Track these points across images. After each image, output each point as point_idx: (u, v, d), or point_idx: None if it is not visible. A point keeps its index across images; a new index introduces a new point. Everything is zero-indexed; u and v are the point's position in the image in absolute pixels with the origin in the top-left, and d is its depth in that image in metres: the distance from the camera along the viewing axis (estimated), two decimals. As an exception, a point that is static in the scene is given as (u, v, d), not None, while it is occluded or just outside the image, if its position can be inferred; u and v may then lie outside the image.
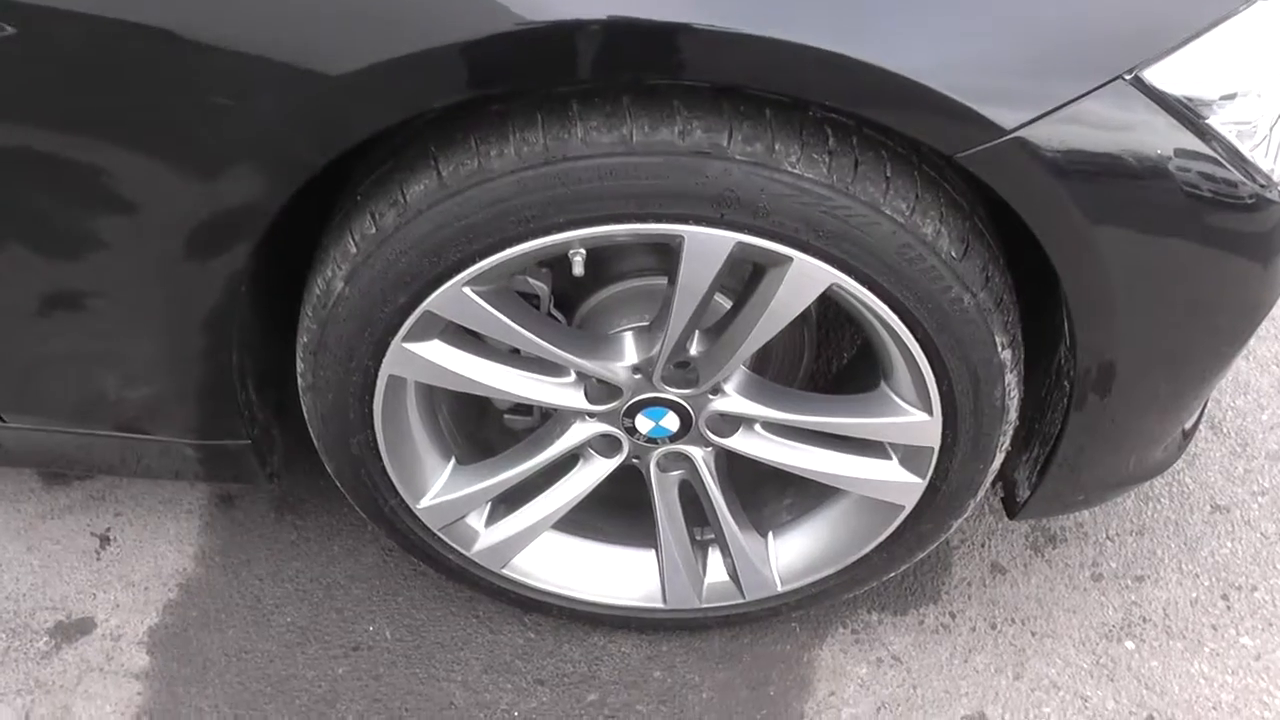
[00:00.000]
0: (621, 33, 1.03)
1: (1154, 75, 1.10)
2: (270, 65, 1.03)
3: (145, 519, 1.72)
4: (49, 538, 1.71)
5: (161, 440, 1.42)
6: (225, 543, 1.69)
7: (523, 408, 1.46)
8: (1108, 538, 1.75)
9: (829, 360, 1.72)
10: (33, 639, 1.59)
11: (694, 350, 1.28)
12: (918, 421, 1.30)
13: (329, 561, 1.66)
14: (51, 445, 1.48)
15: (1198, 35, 1.11)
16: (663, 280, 1.32)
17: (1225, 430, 1.89)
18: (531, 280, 1.31)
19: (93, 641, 1.59)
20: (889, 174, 1.15)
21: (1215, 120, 1.15)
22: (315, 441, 1.38)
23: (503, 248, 1.14)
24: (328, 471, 1.41)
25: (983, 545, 1.72)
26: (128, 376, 1.34)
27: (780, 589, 1.49)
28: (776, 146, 1.11)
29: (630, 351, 1.29)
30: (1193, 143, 1.13)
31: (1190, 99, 1.13)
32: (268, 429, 1.43)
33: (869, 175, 1.14)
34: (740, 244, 1.14)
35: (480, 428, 1.53)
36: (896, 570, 1.50)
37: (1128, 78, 1.09)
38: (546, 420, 1.44)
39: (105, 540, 1.70)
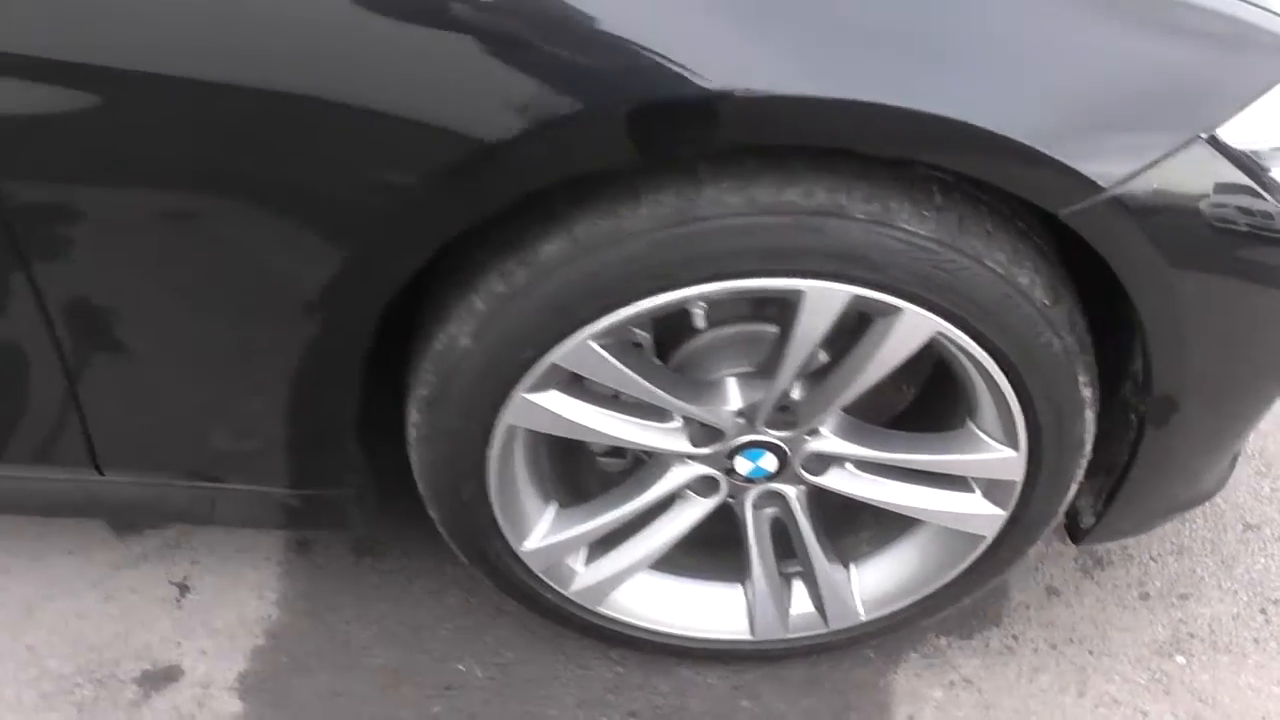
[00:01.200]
0: (761, 103, 1.09)
1: (1225, 132, 1.19)
2: (423, 130, 1.07)
3: (222, 567, 1.74)
4: (126, 587, 1.73)
5: (262, 490, 1.45)
6: (306, 588, 1.71)
7: (616, 451, 1.51)
8: (1151, 559, 1.84)
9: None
10: (120, 688, 1.60)
11: (796, 395, 1.34)
12: (1005, 458, 1.37)
13: (413, 604, 1.69)
14: (146, 497, 1.50)
15: (1260, 94, 1.20)
16: (756, 326, 1.38)
17: (1249, 451, 1.99)
18: (637, 330, 1.36)
19: (182, 689, 1.60)
20: (989, 228, 1.22)
21: (1276, 172, 1.24)
22: (422, 489, 1.41)
23: (631, 303, 1.20)
24: (406, 515, 1.44)
25: (1036, 570, 1.80)
26: (243, 430, 1.37)
27: (864, 618, 1.55)
28: (890, 205, 1.18)
29: (735, 397, 1.35)
30: (1257, 193, 1.22)
31: (1254, 152, 1.22)
32: (367, 476, 1.47)
33: (971, 229, 1.21)
34: (856, 297, 1.21)
35: (571, 471, 1.57)
36: (972, 595, 1.57)
37: (1204, 136, 1.17)
38: (638, 463, 1.50)
39: (184, 588, 1.72)
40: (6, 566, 1.76)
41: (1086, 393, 1.34)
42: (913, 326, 1.24)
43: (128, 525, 1.80)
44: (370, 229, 1.14)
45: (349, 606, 1.69)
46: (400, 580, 1.72)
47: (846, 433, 1.40)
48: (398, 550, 1.75)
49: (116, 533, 1.79)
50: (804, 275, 1.19)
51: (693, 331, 1.42)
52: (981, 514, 1.44)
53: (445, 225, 1.14)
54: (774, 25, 1.09)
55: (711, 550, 1.57)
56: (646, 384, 1.28)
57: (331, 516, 1.48)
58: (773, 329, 1.37)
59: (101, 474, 1.45)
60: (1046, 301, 1.26)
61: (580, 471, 1.55)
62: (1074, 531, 1.58)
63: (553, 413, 1.30)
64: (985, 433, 1.38)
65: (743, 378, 1.36)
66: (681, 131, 1.12)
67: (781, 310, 1.34)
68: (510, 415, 1.29)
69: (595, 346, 1.23)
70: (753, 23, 1.09)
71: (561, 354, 1.24)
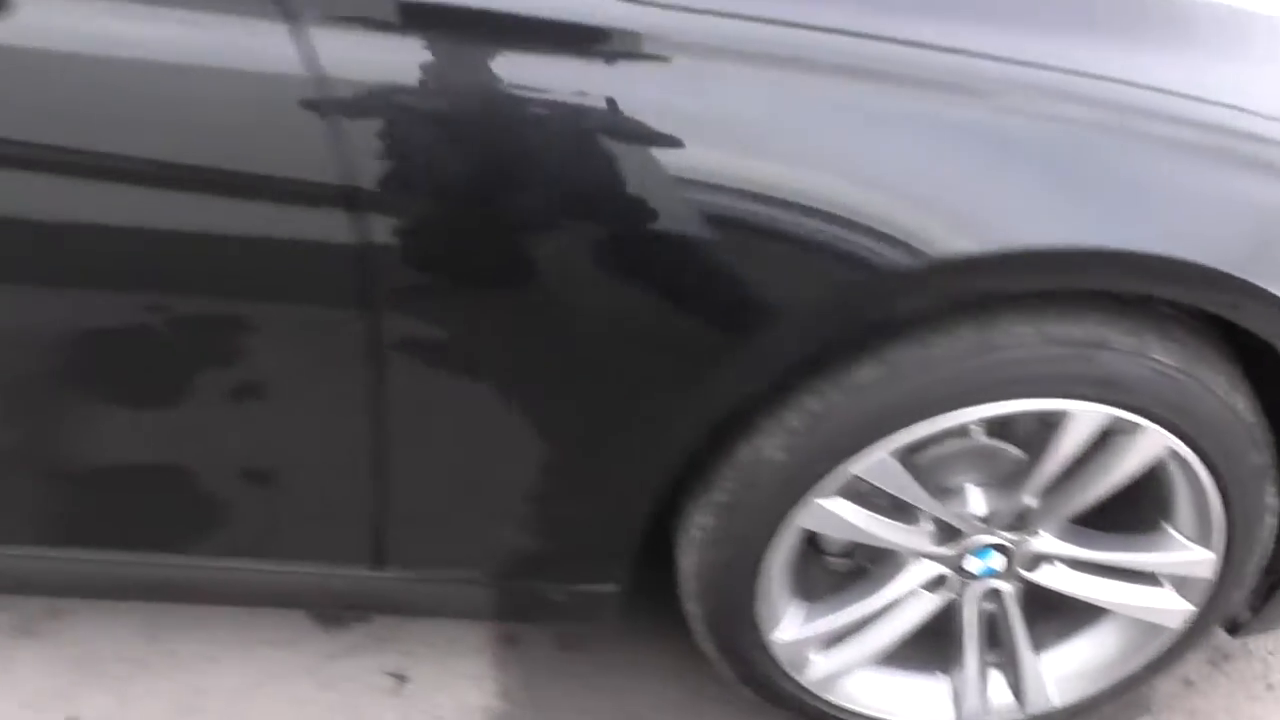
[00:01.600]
0: (1056, 257, 1.30)
1: None
2: (826, 258, 1.26)
3: (435, 658, 1.84)
4: (341, 676, 1.81)
5: (537, 585, 1.57)
6: (522, 679, 1.82)
7: (845, 551, 1.67)
8: (1268, 653, 2.04)
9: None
10: (357, 774, 1.68)
11: (1032, 501, 1.53)
12: (1200, 558, 1.57)
13: (628, 695, 1.81)
14: (412, 593, 1.60)
15: None
16: (988, 441, 1.56)
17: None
18: (895, 443, 1.54)
19: (419, 777, 1.69)
20: (1212, 356, 1.44)
21: None
22: (692, 587, 1.55)
23: (928, 420, 1.38)
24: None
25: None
26: (544, 530, 1.50)
27: (1057, 705, 1.72)
28: (1144, 337, 1.40)
29: (979, 502, 1.53)
30: None
31: None
32: (631, 571, 1.60)
33: (1200, 357, 1.43)
34: (1112, 417, 1.41)
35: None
36: (1148, 681, 1.75)
37: None
38: (859, 565, 1.66)
39: (401, 678, 1.81)
40: (214, 655, 1.83)
41: (1272, 501, 1.56)
42: (1151, 443, 1.45)
43: (331, 618, 1.89)
44: (737, 354, 1.31)
45: (567, 697, 1.80)
46: (610, 672, 1.83)
47: (1062, 533, 1.59)
48: (604, 644, 1.86)
49: (322, 626, 1.88)
50: (1073, 398, 1.39)
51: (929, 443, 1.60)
52: (1173, 608, 1.63)
53: (803, 354, 1.31)
54: (1056, 191, 1.31)
55: (919, 642, 1.72)
56: (924, 491, 1.46)
57: (592, 610, 1.60)
58: (1001, 444, 1.56)
59: (380, 570, 1.56)
60: (1252, 421, 1.48)
61: (808, 570, 1.70)
62: (1232, 625, 1.78)
63: (838, 516, 1.47)
64: (1182, 534, 1.58)
65: (982, 485, 1.55)
66: (983, 280, 1.32)
67: (1004, 427, 1.54)
68: (802, 519, 1.45)
69: (890, 458, 1.41)
70: (1040, 193, 1.31)
71: (862, 465, 1.41)
